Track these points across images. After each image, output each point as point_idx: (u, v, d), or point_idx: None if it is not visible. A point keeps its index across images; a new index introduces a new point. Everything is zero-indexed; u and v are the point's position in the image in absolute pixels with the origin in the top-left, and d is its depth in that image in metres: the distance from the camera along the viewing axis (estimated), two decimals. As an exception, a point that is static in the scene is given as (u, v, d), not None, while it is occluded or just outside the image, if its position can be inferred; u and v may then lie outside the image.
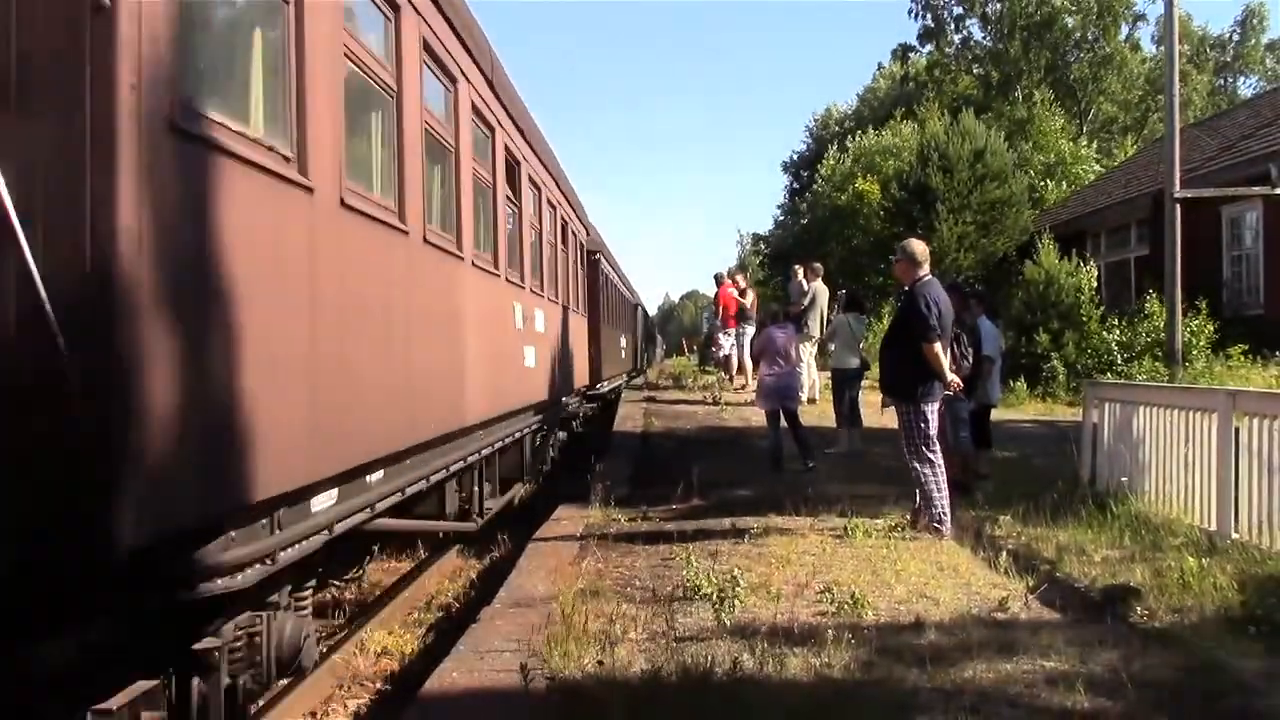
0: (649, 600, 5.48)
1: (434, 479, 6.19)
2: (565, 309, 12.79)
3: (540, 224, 11.00)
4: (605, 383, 18.60)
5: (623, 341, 24.39)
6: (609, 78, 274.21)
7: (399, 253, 5.34)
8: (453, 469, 6.67)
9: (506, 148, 8.77)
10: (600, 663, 4.34)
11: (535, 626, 4.91)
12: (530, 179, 10.18)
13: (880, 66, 54.45)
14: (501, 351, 8.23)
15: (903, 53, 46.02)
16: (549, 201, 11.74)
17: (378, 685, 5.65)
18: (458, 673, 4.44)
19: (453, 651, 4.78)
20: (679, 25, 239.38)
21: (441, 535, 8.19)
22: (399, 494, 5.45)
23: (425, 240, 5.83)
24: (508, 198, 8.87)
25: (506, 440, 8.68)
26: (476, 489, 7.82)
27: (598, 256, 18.28)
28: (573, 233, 14.51)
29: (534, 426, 10.14)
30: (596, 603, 5.35)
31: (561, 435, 12.67)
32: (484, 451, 7.69)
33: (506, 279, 8.49)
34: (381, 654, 6.06)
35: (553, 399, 11.14)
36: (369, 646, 6.07)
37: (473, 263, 7.07)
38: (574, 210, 14.71)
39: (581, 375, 14.41)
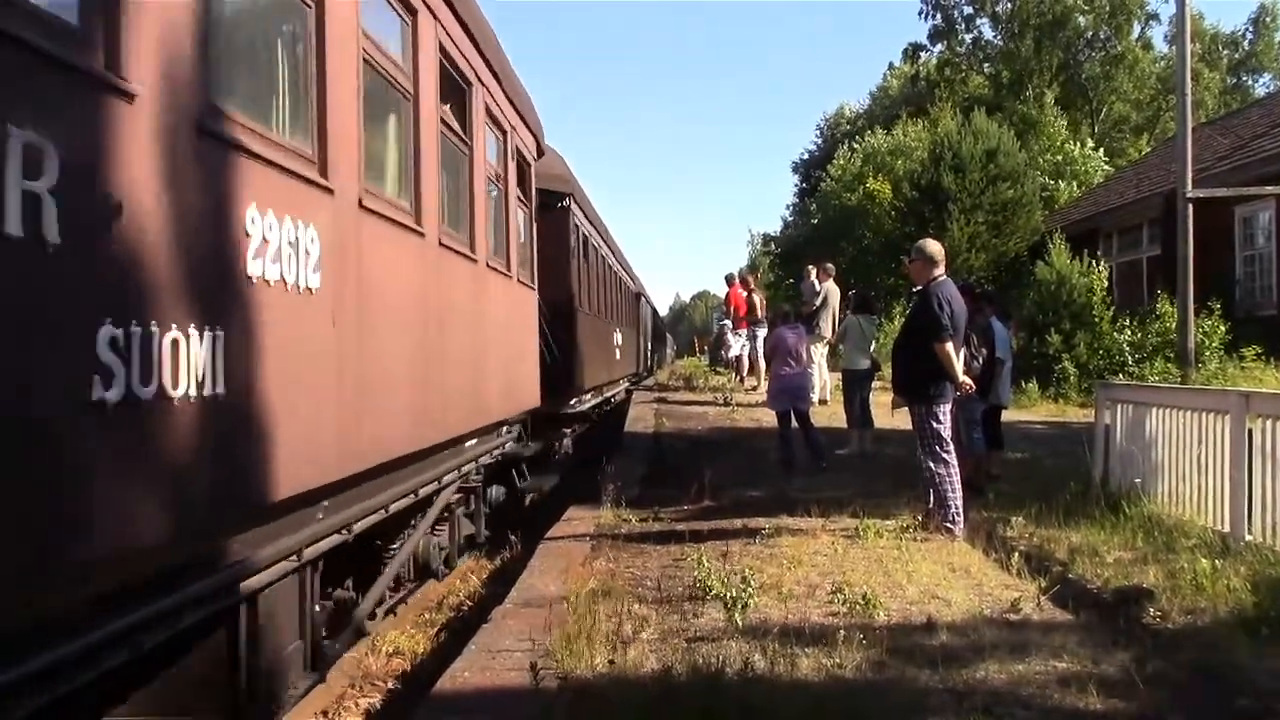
0: (660, 600, 5.49)
1: None
2: (463, 258, 6.71)
3: (380, 52, 5.01)
4: (588, 395, 13.62)
5: (618, 338, 18.38)
6: (619, 78, 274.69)
7: None
8: None
9: None
10: (612, 662, 4.36)
11: (547, 626, 4.92)
12: None
13: (891, 66, 54.40)
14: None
15: (913, 52, 45.93)
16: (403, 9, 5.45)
17: (390, 685, 5.67)
18: (469, 672, 4.46)
19: (464, 651, 4.80)
20: (690, 25, 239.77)
21: None
22: None
23: None
24: None
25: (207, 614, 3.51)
26: None
27: (567, 203, 12.05)
28: (499, 123, 8.26)
29: (318, 547, 4.48)
30: (608, 603, 5.35)
31: (499, 490, 8.97)
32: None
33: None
34: (393, 654, 6.09)
35: (433, 448, 6.09)
36: (381, 646, 6.09)
37: None
38: (511, 103, 8.66)
39: (523, 390, 8.98)
